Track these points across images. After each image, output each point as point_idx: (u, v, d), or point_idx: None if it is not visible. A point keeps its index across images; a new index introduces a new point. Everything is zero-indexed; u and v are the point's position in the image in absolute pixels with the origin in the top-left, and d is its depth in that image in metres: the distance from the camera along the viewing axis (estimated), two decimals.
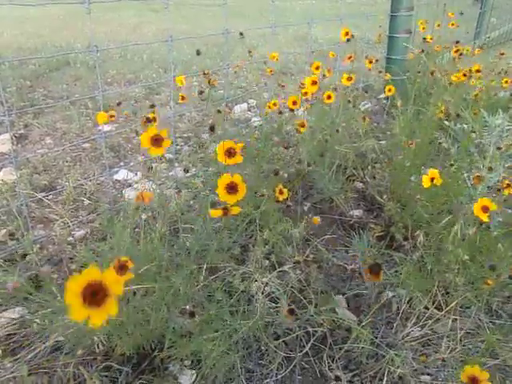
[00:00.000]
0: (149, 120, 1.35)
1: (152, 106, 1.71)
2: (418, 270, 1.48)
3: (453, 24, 3.20)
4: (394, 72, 3.18)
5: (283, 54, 4.97)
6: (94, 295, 0.69)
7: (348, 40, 2.14)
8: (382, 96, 3.29)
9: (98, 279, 0.69)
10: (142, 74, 4.50)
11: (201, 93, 1.73)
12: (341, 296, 1.54)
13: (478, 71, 2.39)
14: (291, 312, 1.09)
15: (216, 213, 1.12)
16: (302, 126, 1.86)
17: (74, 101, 3.51)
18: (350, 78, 2.05)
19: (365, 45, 3.22)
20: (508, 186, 1.42)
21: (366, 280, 1.04)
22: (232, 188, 1.11)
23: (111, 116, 1.64)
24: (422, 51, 2.83)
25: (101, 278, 0.70)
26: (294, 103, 1.88)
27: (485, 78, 2.78)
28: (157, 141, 1.12)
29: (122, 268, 0.99)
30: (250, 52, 2.11)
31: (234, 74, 4.35)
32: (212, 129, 1.42)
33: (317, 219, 1.65)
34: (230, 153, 1.20)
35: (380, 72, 2.86)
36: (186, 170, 1.64)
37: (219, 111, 1.78)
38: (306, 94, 1.91)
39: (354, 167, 2.18)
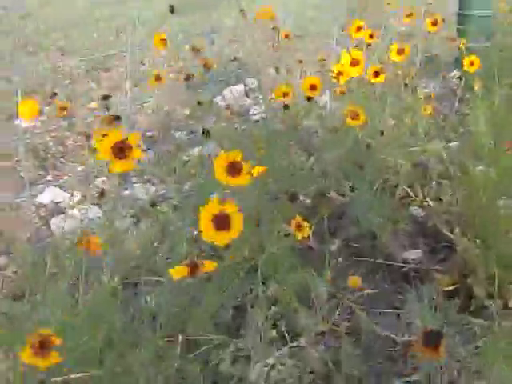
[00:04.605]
0: (115, 118, 1.41)
1: (106, 98, 1.76)
2: None
3: None
4: (471, 36, 3.21)
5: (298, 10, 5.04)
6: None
7: None
8: (453, 74, 3.32)
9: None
10: (82, 39, 4.52)
11: (187, 78, 1.77)
12: None
13: None
14: None
15: (179, 272, 1.15)
16: (356, 115, 1.85)
17: None
18: (401, 51, 2.09)
19: None
20: None
21: (417, 353, 1.06)
22: (222, 221, 1.15)
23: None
24: None
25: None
26: (313, 88, 1.92)
27: None
28: (122, 150, 1.16)
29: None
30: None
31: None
32: (207, 134, 1.48)
33: (356, 281, 1.67)
34: (234, 169, 1.25)
35: (452, 39, 2.90)
36: (153, 204, 1.67)
37: (199, 102, 1.82)
38: (338, 75, 1.95)
39: (409, 185, 2.19)
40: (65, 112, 2.17)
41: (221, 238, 1.15)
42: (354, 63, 1.97)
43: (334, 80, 1.99)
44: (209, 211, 1.16)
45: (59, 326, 1.29)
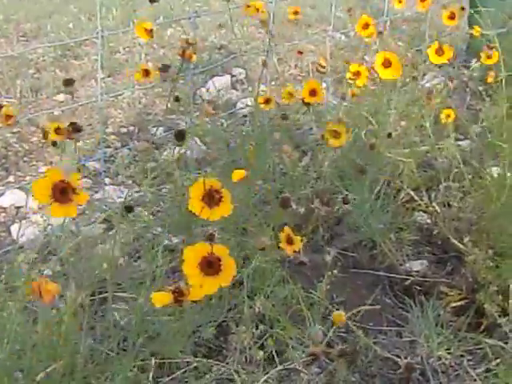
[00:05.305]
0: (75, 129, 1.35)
1: (69, 83, 1.69)
2: None
3: None
4: (486, 22, 3.16)
5: None
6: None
7: None
8: (465, 64, 3.29)
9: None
10: (49, 23, 4.53)
11: (164, 69, 1.70)
12: None
13: None
14: None
15: (161, 299, 1.13)
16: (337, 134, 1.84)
17: None
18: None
19: None
20: None
21: None
22: (211, 265, 1.12)
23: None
24: None
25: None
26: (313, 93, 1.90)
27: None
28: (64, 192, 1.08)
29: None
30: None
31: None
32: (180, 136, 1.42)
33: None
34: (212, 198, 1.22)
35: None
36: (129, 209, 1.62)
37: (177, 98, 1.78)
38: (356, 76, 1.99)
39: (415, 187, 2.18)
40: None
41: (209, 285, 1.12)
42: (387, 64, 1.94)
43: (350, 82, 2.00)
44: (196, 253, 1.12)
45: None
